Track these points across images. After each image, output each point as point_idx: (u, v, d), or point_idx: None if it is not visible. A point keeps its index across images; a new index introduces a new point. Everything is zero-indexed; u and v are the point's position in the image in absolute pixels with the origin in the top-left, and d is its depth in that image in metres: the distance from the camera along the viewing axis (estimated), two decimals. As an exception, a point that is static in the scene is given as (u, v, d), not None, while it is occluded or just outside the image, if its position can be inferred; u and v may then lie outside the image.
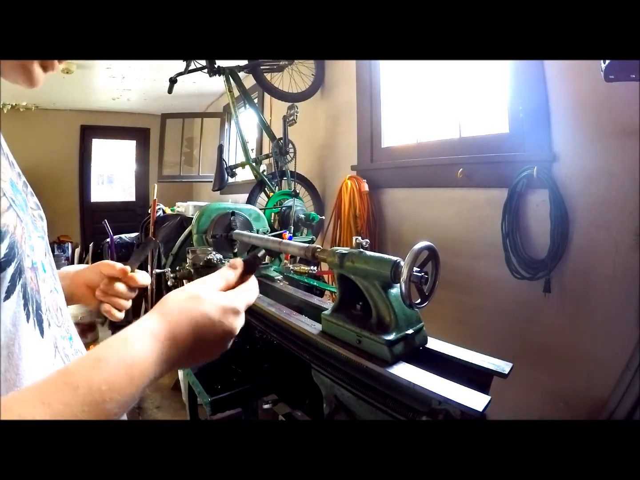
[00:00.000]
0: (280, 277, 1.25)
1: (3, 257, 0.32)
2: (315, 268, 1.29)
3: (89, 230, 5.12)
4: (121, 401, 0.29)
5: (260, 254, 0.49)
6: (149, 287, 2.80)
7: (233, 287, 0.43)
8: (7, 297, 0.33)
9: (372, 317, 0.66)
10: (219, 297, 0.39)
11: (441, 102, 1.90)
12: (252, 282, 0.45)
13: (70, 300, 0.58)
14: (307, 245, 0.84)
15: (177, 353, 0.35)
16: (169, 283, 1.20)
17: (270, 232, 1.44)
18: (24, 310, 0.34)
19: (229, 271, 0.44)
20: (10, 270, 0.33)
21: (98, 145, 5.34)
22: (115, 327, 3.11)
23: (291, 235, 1.48)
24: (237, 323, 0.40)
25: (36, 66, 0.39)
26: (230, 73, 2.42)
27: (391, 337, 0.62)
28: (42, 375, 0.31)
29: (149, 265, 2.76)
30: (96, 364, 0.29)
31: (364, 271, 0.67)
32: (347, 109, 2.35)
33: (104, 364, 0.30)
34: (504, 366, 0.61)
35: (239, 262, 0.45)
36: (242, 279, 0.45)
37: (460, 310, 1.66)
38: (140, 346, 0.32)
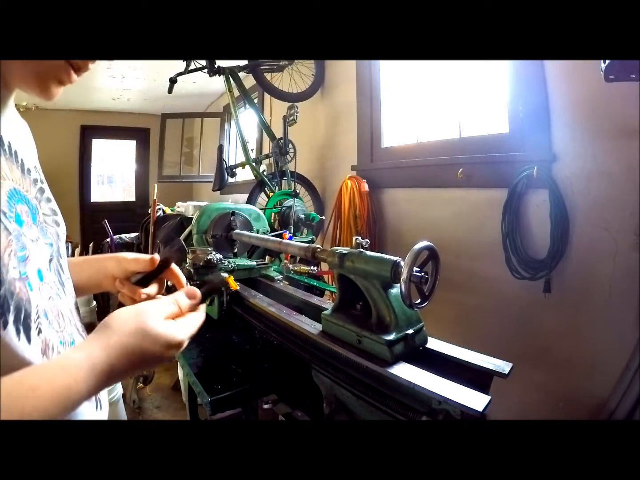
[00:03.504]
0: (280, 277, 1.25)
1: None
2: (315, 268, 1.29)
3: (89, 230, 5.11)
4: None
5: (218, 280, 0.50)
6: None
7: (182, 314, 0.45)
8: None
9: (372, 317, 0.66)
10: (166, 330, 0.40)
11: (441, 102, 1.90)
12: (202, 309, 0.48)
13: (99, 287, 0.61)
14: (307, 245, 0.84)
15: (111, 381, 0.37)
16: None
17: (270, 232, 1.44)
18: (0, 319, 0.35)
19: (183, 299, 0.45)
20: None
21: (98, 145, 5.34)
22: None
23: (291, 235, 1.48)
24: (177, 352, 0.43)
25: (52, 81, 0.41)
26: (230, 73, 2.42)
27: (391, 337, 0.62)
28: None
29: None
30: (29, 392, 0.31)
31: (364, 271, 0.67)
32: (347, 109, 2.35)
33: (38, 393, 0.31)
34: (504, 366, 0.60)
35: (198, 293, 0.47)
36: (195, 306, 0.47)
37: (460, 310, 1.65)
38: (76, 377, 0.34)
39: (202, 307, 0.48)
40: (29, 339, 0.38)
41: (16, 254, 0.38)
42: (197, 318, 0.46)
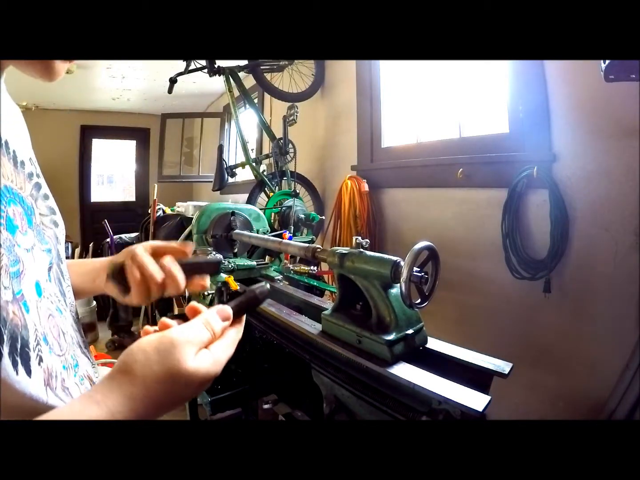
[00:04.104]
0: (280, 277, 1.25)
1: None
2: (315, 268, 1.29)
3: (89, 230, 5.12)
4: None
5: (260, 291, 0.42)
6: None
7: (216, 338, 0.37)
8: None
9: (372, 317, 0.66)
10: (200, 368, 0.33)
11: (441, 102, 1.90)
12: (240, 327, 0.40)
13: (101, 289, 0.55)
14: (307, 245, 0.84)
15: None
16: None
17: (270, 232, 1.44)
18: None
19: (216, 321, 0.37)
20: None
21: (98, 145, 5.34)
22: (116, 327, 3.10)
23: (291, 235, 1.48)
24: (209, 384, 0.36)
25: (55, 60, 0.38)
26: (230, 73, 2.42)
27: (391, 337, 0.62)
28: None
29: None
30: None
31: (364, 271, 0.67)
32: (347, 109, 2.35)
33: None
34: (504, 366, 0.61)
35: (229, 313, 0.39)
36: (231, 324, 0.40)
37: (460, 310, 1.65)
38: None
39: (242, 320, 0.41)
40: (28, 371, 0.34)
41: (8, 270, 0.34)
42: (233, 338, 0.38)
